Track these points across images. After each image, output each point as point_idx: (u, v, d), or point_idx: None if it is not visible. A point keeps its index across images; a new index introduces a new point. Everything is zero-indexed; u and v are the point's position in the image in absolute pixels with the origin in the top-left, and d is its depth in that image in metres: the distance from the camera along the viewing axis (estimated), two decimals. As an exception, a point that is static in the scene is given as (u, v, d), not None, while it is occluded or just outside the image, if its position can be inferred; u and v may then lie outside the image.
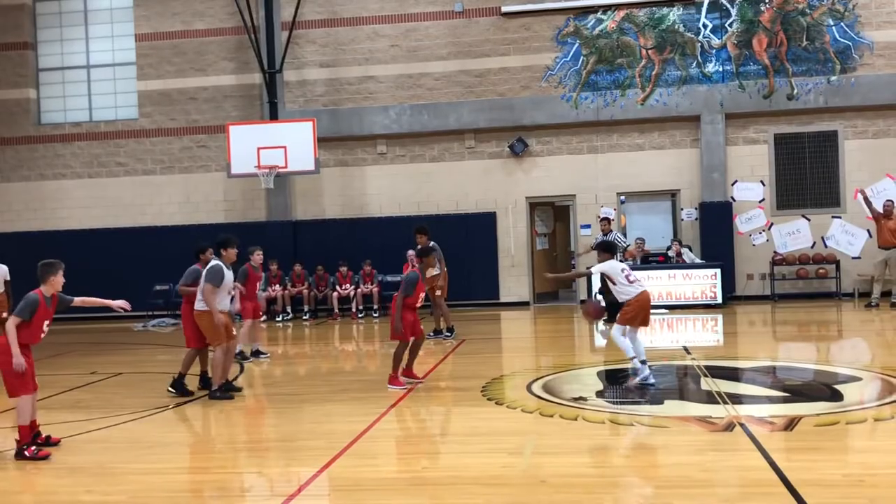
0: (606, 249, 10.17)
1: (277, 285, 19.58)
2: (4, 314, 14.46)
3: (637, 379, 9.62)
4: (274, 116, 20.10)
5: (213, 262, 10.02)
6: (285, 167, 18.75)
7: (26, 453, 7.45)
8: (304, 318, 19.51)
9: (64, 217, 21.49)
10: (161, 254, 19.93)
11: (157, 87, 21.28)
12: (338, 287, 19.77)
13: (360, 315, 19.47)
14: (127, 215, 21.31)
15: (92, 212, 21.38)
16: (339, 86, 20.77)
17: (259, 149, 18.65)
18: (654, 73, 19.95)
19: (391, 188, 20.75)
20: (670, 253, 19.20)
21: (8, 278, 14.85)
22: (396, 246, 19.22)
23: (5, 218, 21.68)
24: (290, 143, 18.68)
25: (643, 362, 9.71)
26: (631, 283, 9.76)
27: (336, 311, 19.59)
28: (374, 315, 19.51)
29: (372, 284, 19.68)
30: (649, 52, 19.99)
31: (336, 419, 8.67)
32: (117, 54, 21.78)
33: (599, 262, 10.05)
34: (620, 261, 17.71)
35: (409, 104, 20.54)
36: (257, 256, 13.07)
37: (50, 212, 21.61)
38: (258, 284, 13.37)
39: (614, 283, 9.82)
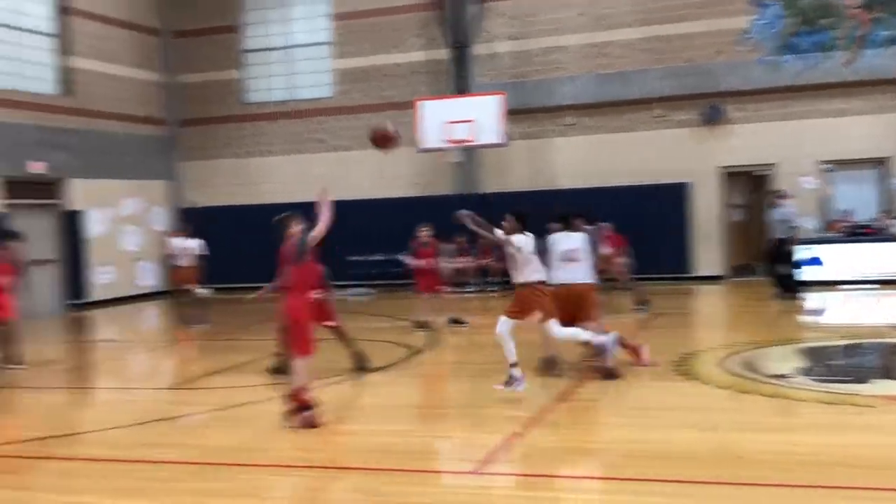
0: (518, 218, 8.71)
1: (467, 257, 19.93)
2: (195, 287, 15.33)
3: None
4: (462, 91, 20.33)
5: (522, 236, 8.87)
6: (473, 141, 18.93)
7: (304, 415, 7.49)
8: (492, 289, 19.76)
9: (269, 192, 22.61)
10: (355, 227, 20.68)
11: (353, 64, 22.00)
12: (525, 259, 19.85)
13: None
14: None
15: (293, 186, 22.39)
16: (526, 58, 20.73)
17: (447, 123, 18.90)
18: (860, 33, 18.67)
19: (578, 160, 20.54)
20: (879, 225, 18.02)
21: (205, 252, 15.71)
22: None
23: (216, 192, 23.08)
24: (477, 116, 18.82)
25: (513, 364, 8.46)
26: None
27: (524, 282, 19.69)
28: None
29: (559, 256, 19.64)
30: (856, 10, 18.71)
31: (526, 388, 8.75)
32: (315, 34, 22.64)
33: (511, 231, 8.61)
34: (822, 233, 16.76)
35: (595, 73, 20.23)
36: (423, 232, 14.00)
37: (255, 187, 22.82)
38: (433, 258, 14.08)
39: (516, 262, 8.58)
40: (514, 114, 20.20)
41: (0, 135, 17.48)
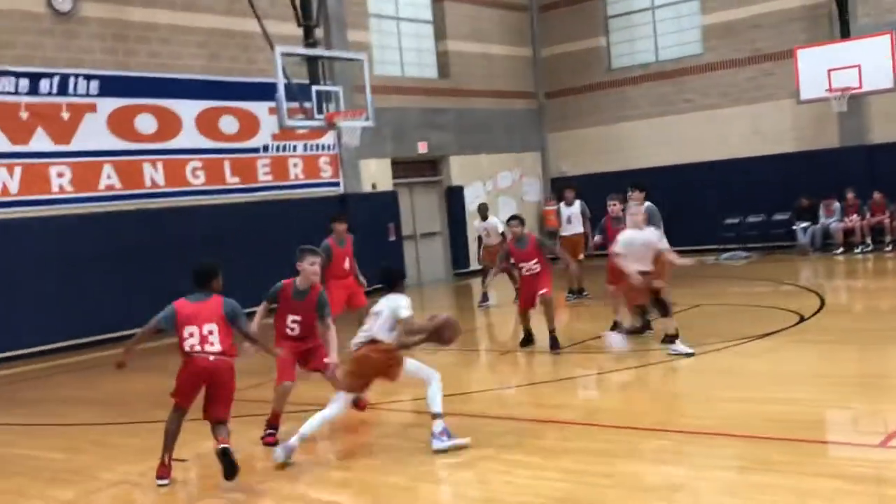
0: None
1: (855, 215, 18.31)
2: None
3: None
4: (845, 35, 18.60)
5: None
6: (860, 88, 17.32)
7: None
8: (887, 248, 17.98)
9: (635, 157, 22.38)
10: (730, 188, 19.89)
11: (722, 18, 21.01)
12: (926, 215, 17.82)
13: (954, 245, 17.33)
14: (694, 151, 21.47)
15: (660, 149, 21.97)
16: (921, -11, 18.48)
17: (829, 71, 17.45)
18: None
19: None
20: None
21: (589, 215, 14.83)
22: None
23: (583, 161, 23.31)
24: (864, 61, 17.22)
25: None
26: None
27: (925, 241, 17.70)
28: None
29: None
30: None
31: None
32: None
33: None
34: None
35: None
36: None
37: (622, 153, 22.69)
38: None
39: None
40: (909, 53, 18.13)
41: (390, 119, 18.99)
